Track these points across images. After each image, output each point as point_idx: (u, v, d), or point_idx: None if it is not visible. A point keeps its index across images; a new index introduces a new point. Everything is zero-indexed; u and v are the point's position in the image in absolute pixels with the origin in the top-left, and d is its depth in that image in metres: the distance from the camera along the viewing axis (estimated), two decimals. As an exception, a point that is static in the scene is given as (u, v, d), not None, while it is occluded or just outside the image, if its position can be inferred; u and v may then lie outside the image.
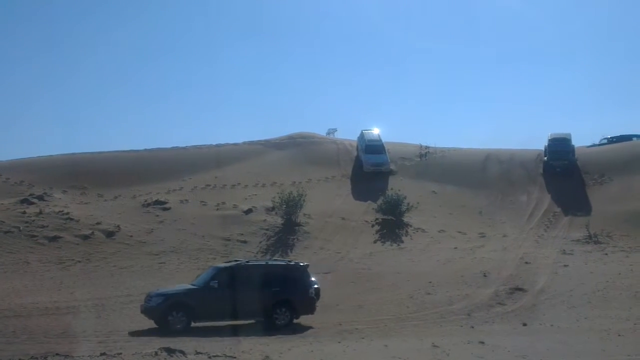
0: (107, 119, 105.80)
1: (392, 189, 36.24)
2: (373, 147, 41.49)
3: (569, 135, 41.56)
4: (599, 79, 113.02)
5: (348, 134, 50.19)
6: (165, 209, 32.50)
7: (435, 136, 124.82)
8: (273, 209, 33.09)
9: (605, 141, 48.74)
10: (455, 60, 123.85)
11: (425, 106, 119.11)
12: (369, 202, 36.12)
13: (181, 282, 20.67)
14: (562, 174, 38.17)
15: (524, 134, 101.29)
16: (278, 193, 33.36)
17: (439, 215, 35.05)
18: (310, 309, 18.30)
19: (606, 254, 27.53)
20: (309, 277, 18.75)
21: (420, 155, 44.15)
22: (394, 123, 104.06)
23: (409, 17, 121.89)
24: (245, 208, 33.35)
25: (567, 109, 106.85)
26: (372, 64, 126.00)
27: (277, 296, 17.90)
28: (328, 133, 53.04)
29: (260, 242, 29.97)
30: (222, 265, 19.55)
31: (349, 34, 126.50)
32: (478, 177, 40.28)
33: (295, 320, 18.14)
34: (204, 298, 17.48)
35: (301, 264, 19.45)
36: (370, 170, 40.26)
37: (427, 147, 44.86)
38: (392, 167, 41.42)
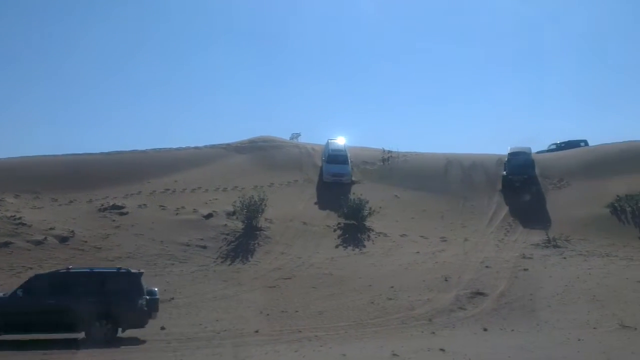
0: (63, 121, 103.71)
1: (354, 193, 36.09)
2: (335, 157, 40.65)
3: (529, 149, 41.09)
4: (566, 84, 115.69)
5: (312, 139, 50.19)
6: (122, 214, 31.61)
7: (399, 140, 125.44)
8: (234, 213, 32.52)
9: (554, 147, 49.91)
10: (422, 65, 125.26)
11: (389, 111, 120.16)
12: (331, 206, 35.84)
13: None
14: (522, 188, 37.18)
15: (487, 138, 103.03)
16: (239, 197, 32.78)
17: (401, 219, 34.99)
18: (138, 321, 16.86)
19: (565, 258, 27.79)
20: (140, 286, 17.19)
21: (383, 160, 44.15)
22: (359, 128, 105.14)
23: (374, 23, 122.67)
24: (206, 213, 32.69)
25: (532, 113, 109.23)
26: (338, 68, 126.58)
27: (96, 307, 16.30)
28: (292, 137, 52.76)
29: (221, 248, 29.36)
30: (40, 273, 18.47)
31: (314, 39, 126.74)
32: (440, 182, 40.49)
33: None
34: (8, 308, 16.14)
35: (133, 271, 17.84)
36: (330, 180, 39.48)
37: (389, 152, 44.88)
38: (355, 178, 40.46)
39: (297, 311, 20.24)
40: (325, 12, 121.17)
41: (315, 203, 37.02)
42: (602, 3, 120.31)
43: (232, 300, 22.00)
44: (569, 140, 50.21)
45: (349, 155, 41.70)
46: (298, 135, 53.57)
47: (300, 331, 17.59)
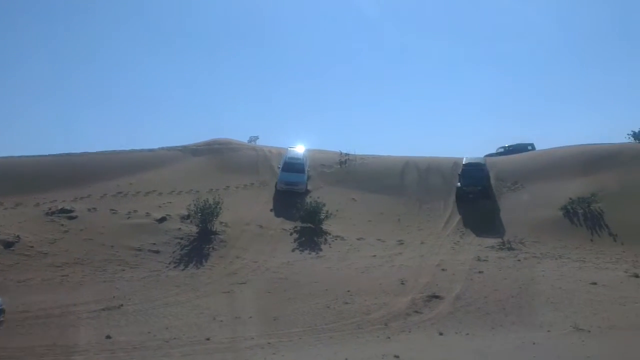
0: (7, 123, 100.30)
1: (310, 196, 35.75)
2: (291, 165, 39.45)
3: (483, 159, 40.76)
4: (519, 89, 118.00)
5: (271, 142, 49.68)
6: (71, 218, 30.58)
7: (359, 143, 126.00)
8: (188, 217, 31.89)
9: (502, 150, 50.68)
10: (381, 68, 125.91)
11: (349, 114, 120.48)
12: (288, 210, 35.44)
13: (84, 295, 19.29)
14: (475, 199, 36.64)
15: (444, 141, 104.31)
16: (194, 200, 32.11)
17: (358, 222, 34.85)
18: None
19: (519, 260, 27.96)
20: None
21: (340, 163, 43.98)
22: (319, 130, 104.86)
23: (333, 26, 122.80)
24: (159, 216, 31.96)
25: (489, 117, 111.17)
26: (298, 71, 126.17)
27: None
28: (250, 141, 52.39)
29: (174, 252, 28.65)
30: None
31: (275, 42, 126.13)
32: (397, 185, 40.54)
33: None
34: None
35: None
36: (283, 189, 38.24)
37: (347, 155, 44.73)
38: (311, 187, 39.31)
39: (251, 317, 19.73)
40: (285, 14, 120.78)
41: (272, 206, 36.55)
42: (547, 9, 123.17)
43: (185, 307, 21.33)
44: (517, 144, 51.18)
45: (307, 164, 40.76)
46: (256, 138, 53.45)
47: (252, 338, 17.09)
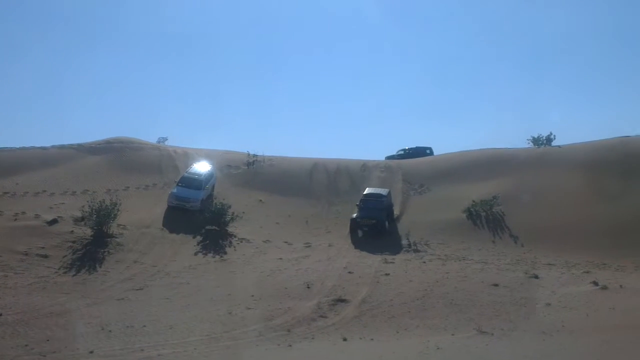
0: None
1: (216, 198, 34.43)
2: (189, 180, 35.64)
3: (386, 191, 36.01)
4: (419, 97, 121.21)
5: (182, 144, 47.78)
6: (-53, 220, 27.82)
7: (270, 145, 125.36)
8: (82, 219, 29.87)
9: (402, 152, 51.56)
10: (294, 69, 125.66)
11: (260, 115, 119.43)
12: (192, 212, 33.98)
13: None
14: (370, 234, 32.61)
15: (353, 143, 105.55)
16: (88, 201, 30.08)
17: (265, 225, 33.96)
18: None
19: (425, 262, 28.03)
20: None
21: (248, 164, 42.89)
22: (230, 131, 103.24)
23: (246, 25, 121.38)
24: (50, 218, 29.74)
25: (395, 119, 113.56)
26: (209, 72, 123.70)
27: None
28: (159, 142, 50.47)
29: (65, 257, 26.57)
30: None
31: (187, 41, 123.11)
32: (305, 186, 39.97)
33: None
34: None
35: None
36: (173, 204, 34.31)
37: (254, 155, 43.67)
38: (205, 208, 34.10)
39: (144, 326, 18.34)
40: (192, 13, 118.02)
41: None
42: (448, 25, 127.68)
43: (72, 316, 19.59)
44: (416, 147, 52.15)
45: (211, 182, 37.35)
46: (165, 139, 51.79)
47: (142, 350, 15.76)
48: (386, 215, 33.79)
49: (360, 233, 32.66)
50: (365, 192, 35.51)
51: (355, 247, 30.97)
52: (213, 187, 37.46)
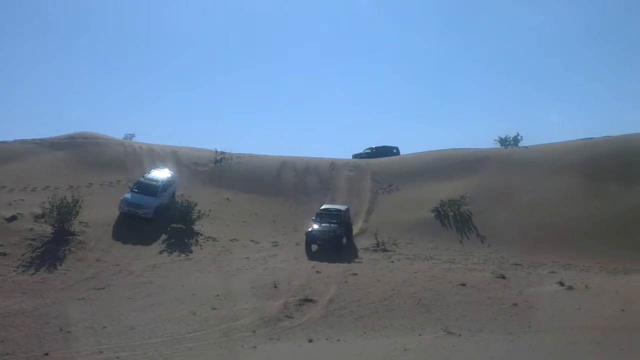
0: None
1: (182, 195, 33.73)
2: (144, 186, 32.91)
3: (345, 207, 33.68)
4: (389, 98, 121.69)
5: (150, 141, 46.90)
6: None
7: (240, 143, 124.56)
8: (43, 216, 29.04)
9: (369, 151, 51.50)
10: (260, 69, 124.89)
11: (229, 113, 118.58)
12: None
13: None
14: (325, 248, 30.08)
15: (322, 142, 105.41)
16: (49, 198, 29.24)
17: (232, 223, 33.47)
18: None
19: (393, 262, 27.91)
20: None
21: (215, 161, 42.23)
22: (199, 129, 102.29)
23: (217, 25, 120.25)
24: (8, 215, 28.89)
25: (364, 119, 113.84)
26: (181, 70, 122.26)
27: None
28: (125, 138, 49.55)
29: (24, 255, 25.85)
30: None
31: (153, 39, 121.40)
32: (273, 185, 39.55)
33: None
34: None
35: None
36: (124, 210, 31.63)
37: (222, 153, 43.01)
38: (154, 213, 32.04)
39: (105, 327, 17.77)
40: (162, 10, 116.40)
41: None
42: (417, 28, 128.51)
43: (29, 316, 18.94)
44: (383, 146, 52.12)
45: (170, 190, 34.50)
46: (132, 136, 50.94)
47: (101, 352, 15.22)
48: (344, 231, 31.24)
49: (314, 247, 30.09)
50: (322, 207, 33.00)
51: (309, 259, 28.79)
52: (173, 194, 34.89)
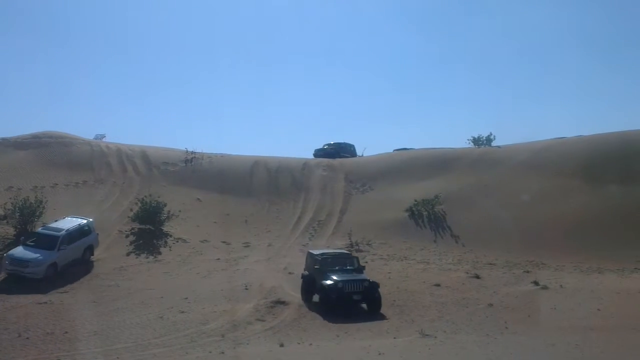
0: None
1: (150, 195, 32.86)
2: (41, 237, 25.33)
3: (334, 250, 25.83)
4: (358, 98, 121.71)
5: (121, 141, 45.74)
6: None
7: (212, 143, 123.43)
8: (5, 217, 28.33)
9: (327, 147, 50.30)
10: (230, 67, 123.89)
11: (203, 112, 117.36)
12: (125, 209, 32.47)
13: None
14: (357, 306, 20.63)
15: (295, 141, 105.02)
16: (11, 199, 28.28)
17: (203, 224, 32.68)
18: None
19: (367, 262, 27.36)
20: None
21: (186, 161, 41.32)
22: (169, 129, 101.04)
23: (185, 24, 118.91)
24: (-32, 217, 27.66)
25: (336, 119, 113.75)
26: (154, 69, 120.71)
27: None
28: (96, 138, 48.47)
29: (-16, 258, 24.76)
30: None
31: (126, 38, 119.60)
32: (245, 185, 38.78)
33: None
34: None
35: None
36: (7, 270, 24.10)
37: (193, 153, 42.12)
38: (46, 271, 24.24)
39: (66, 332, 17.06)
40: (138, 10, 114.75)
41: (107, 206, 33.18)
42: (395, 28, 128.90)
43: (-14, 322, 18.04)
44: (343, 142, 51.02)
45: (76, 243, 25.98)
46: (103, 136, 49.78)
47: (59, 359, 14.45)
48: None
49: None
50: (319, 252, 23.28)
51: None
52: (90, 248, 26.88)
